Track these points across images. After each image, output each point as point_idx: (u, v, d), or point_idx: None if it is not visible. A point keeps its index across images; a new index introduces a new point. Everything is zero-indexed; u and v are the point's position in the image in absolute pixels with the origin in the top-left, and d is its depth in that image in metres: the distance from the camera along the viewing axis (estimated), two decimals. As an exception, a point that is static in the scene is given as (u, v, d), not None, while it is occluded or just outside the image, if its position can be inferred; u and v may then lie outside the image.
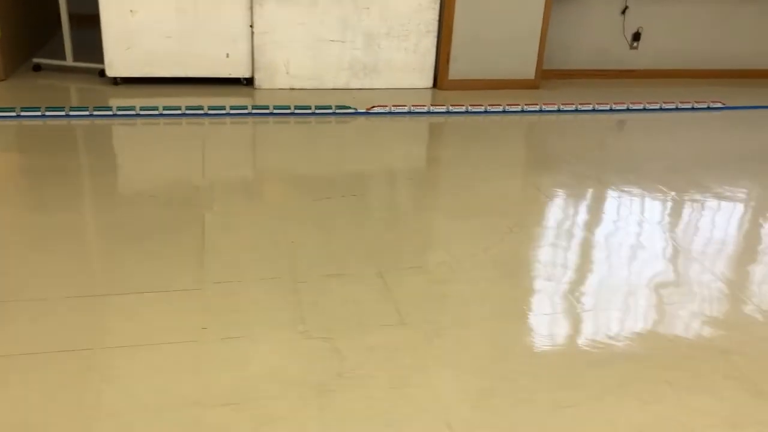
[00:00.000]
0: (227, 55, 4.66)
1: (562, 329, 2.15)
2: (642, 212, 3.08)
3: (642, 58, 5.58)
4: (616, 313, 2.25)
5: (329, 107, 4.44)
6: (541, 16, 4.91)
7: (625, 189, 3.34)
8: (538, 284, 2.41)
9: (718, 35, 5.62)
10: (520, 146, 4.06)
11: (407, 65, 4.91)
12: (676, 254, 2.69)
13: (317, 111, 4.40)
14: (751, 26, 5.63)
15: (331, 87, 4.86)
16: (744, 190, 3.42)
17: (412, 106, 4.52)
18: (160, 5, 4.46)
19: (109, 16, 4.43)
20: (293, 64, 4.74)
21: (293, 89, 4.81)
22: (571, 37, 5.40)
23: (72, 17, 4.77)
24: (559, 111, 4.72)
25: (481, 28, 4.87)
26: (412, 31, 4.81)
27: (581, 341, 2.09)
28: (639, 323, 2.21)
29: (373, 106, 4.47)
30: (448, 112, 4.55)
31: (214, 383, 1.83)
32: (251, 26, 4.60)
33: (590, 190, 3.31)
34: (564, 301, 2.31)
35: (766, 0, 5.56)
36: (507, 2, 4.83)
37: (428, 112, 4.55)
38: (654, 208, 3.14)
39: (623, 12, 5.39)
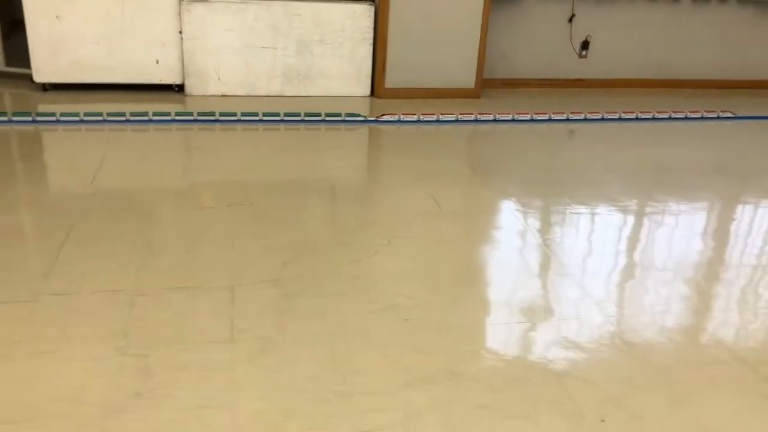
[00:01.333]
0: (157, 62, 4.61)
1: (395, 347, 2.06)
2: (526, 224, 2.98)
3: (591, 67, 5.48)
4: (460, 332, 2.16)
5: (256, 114, 4.37)
6: (480, 25, 4.82)
7: (525, 201, 3.24)
8: (386, 302, 2.31)
9: (670, 44, 5.51)
10: (441, 156, 3.97)
11: (343, 73, 4.83)
12: (549, 269, 2.59)
13: (243, 118, 4.34)
14: (703, 36, 5.52)
15: (265, 94, 4.79)
16: (640, 204, 3.31)
17: (346, 115, 4.44)
18: (86, 11, 4.41)
19: (34, 21, 4.38)
20: (224, 70, 4.68)
21: (225, 96, 4.74)
22: (516, 46, 5.31)
23: (9, 22, 4.74)
24: (495, 121, 4.63)
25: (418, 36, 4.79)
26: (347, 38, 4.74)
27: (406, 358, 2.00)
28: (480, 342, 2.11)
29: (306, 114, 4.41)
30: (377, 121, 4.47)
31: (2, 400, 1.75)
32: (180, 32, 4.54)
33: (488, 203, 3.22)
34: (400, 319, 2.21)
35: (716, 10, 5.45)
36: (443, 10, 4.75)
37: (364, 121, 4.47)
38: (546, 220, 3.04)
39: (570, 20, 5.30)
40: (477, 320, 2.23)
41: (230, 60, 4.66)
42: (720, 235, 2.98)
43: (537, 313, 2.28)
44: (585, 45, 5.40)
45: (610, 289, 2.48)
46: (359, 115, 4.47)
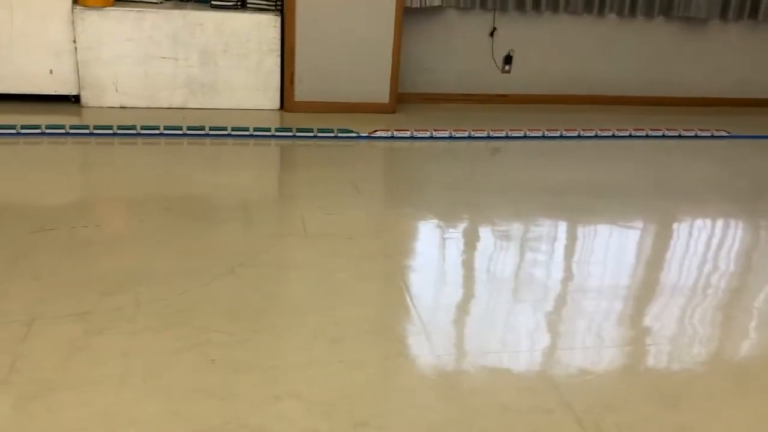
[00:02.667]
0: (51, 72, 4.39)
1: (184, 393, 1.86)
2: (390, 250, 2.79)
3: (516, 82, 5.32)
4: (269, 375, 1.96)
5: (156, 127, 4.17)
6: (392, 37, 4.65)
7: (400, 224, 3.06)
8: (197, 339, 2.11)
9: (597, 60, 5.38)
10: (336, 175, 3.77)
11: (249, 85, 4.64)
12: (394, 305, 2.40)
13: (143, 132, 4.13)
14: (630, 52, 5.39)
15: (167, 106, 4.58)
16: (516, 229, 3.15)
17: (232, 129, 4.24)
18: (-28, 17, 4.19)
19: None
20: (122, 81, 4.47)
21: (124, 108, 4.53)
22: (438, 60, 5.15)
23: None
24: (412, 138, 4.45)
25: (327, 48, 4.61)
26: (253, 49, 4.55)
27: (193, 407, 1.80)
28: (287, 387, 1.91)
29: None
30: (273, 136, 4.28)
31: None
32: (74, 41, 4.34)
33: (360, 226, 3.03)
34: (206, 359, 2.02)
35: (643, 26, 5.33)
36: (353, 22, 4.58)
37: (270, 136, 4.28)
38: (412, 247, 2.86)
39: (492, 34, 5.15)
40: (296, 362, 2.03)
41: (128, 71, 4.45)
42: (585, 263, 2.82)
43: (362, 354, 2.09)
44: (508, 59, 5.25)
45: (447, 326, 2.30)
46: (268, 130, 4.28)
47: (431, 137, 4.43)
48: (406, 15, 4.90)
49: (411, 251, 2.82)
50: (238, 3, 4.59)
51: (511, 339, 2.22)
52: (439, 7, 4.95)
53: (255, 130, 4.26)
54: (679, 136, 4.82)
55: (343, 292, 2.44)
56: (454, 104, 5.26)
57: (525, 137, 4.54)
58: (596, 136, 4.70)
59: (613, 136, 4.75)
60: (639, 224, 3.29)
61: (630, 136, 4.78)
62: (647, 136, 4.78)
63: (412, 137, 4.44)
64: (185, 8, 4.48)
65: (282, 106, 4.76)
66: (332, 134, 4.34)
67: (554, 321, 2.33)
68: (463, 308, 2.40)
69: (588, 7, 5.13)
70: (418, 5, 4.79)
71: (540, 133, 4.59)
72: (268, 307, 2.31)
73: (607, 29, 5.30)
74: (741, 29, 5.50)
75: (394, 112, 4.88)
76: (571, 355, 2.14)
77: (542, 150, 4.40)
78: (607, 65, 5.40)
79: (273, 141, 4.28)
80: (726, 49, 5.53)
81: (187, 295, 2.34)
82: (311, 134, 4.33)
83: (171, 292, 2.35)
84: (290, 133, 4.33)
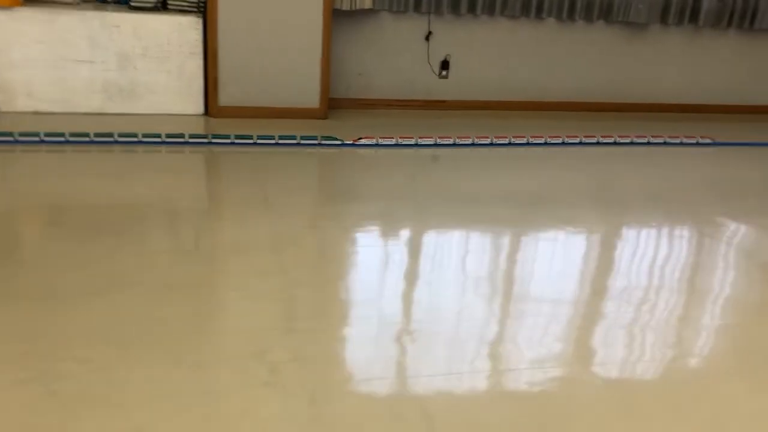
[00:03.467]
0: (-43, 74, 4.17)
1: (12, 430, 1.68)
2: (285, 266, 2.63)
3: (454, 87, 5.20)
4: (114, 409, 1.79)
5: (62, 134, 3.95)
6: (320, 40, 4.50)
7: (302, 238, 2.90)
8: (44, 368, 1.92)
9: (537, 65, 5.27)
10: (248, 185, 3.60)
11: (171, 89, 4.46)
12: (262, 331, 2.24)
13: (46, 139, 3.92)
14: (570, 57, 5.30)
15: (84, 111, 4.38)
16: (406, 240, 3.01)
17: (189, 136, 4.05)
18: None
19: None
20: (35, 85, 4.25)
21: (38, 113, 4.32)
22: (372, 65, 5.01)
23: None
24: (342, 145, 4.29)
25: (251, 51, 4.44)
26: (174, 52, 4.37)
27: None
28: (132, 423, 1.74)
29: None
30: (187, 143, 4.09)
31: None
32: (-19, 42, 4.12)
33: (260, 240, 2.86)
34: (46, 391, 1.83)
35: (583, 30, 5.24)
36: (277, 24, 4.42)
37: (184, 142, 4.09)
38: (313, 254, 2.71)
39: (427, 38, 5.01)
40: (152, 393, 1.86)
41: (41, 74, 4.24)
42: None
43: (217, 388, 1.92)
44: (445, 64, 5.12)
45: (325, 352, 2.14)
46: (181, 136, 4.09)
47: (363, 145, 4.28)
48: (337, 18, 4.75)
49: (309, 268, 2.65)
50: (159, 4, 4.40)
51: (389, 366, 2.07)
52: (371, 9, 4.80)
53: (167, 136, 4.07)
54: (615, 143, 4.72)
55: (223, 314, 2.27)
56: (390, 110, 5.12)
57: (454, 145, 4.41)
58: (528, 144, 4.58)
59: (546, 143, 4.63)
60: (550, 237, 3.16)
61: (563, 143, 4.67)
62: (581, 143, 4.67)
63: (342, 144, 4.29)
64: (101, 9, 4.28)
65: (206, 112, 4.58)
66: (251, 140, 4.17)
67: (436, 346, 2.19)
68: (346, 332, 2.24)
69: (525, 11, 5.02)
70: (349, 7, 4.64)
71: (469, 141, 4.46)
72: (136, 332, 2.13)
73: (546, 34, 5.20)
74: (682, 34, 5.44)
75: (325, 117, 4.73)
76: (447, 381, 2.00)
77: (472, 158, 4.27)
78: (547, 70, 5.30)
79: (188, 148, 4.09)
80: (667, 54, 5.46)
81: (46, 318, 2.15)
82: (228, 140, 4.15)
83: (28, 314, 2.16)
84: (206, 140, 4.15)
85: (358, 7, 4.66)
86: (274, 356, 2.04)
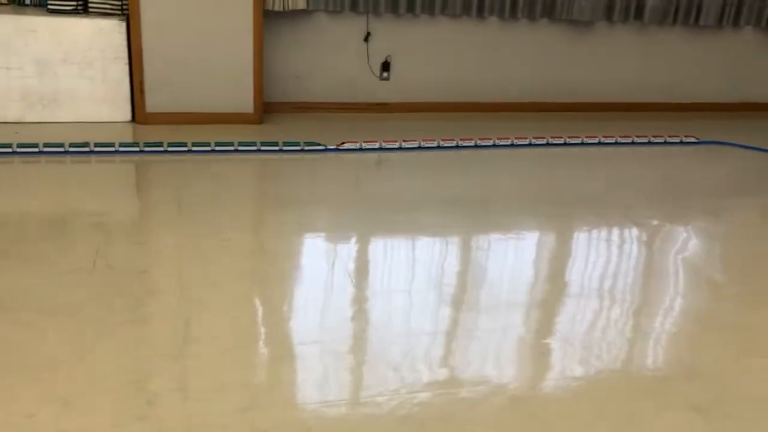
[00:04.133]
0: None
1: None
2: (183, 284, 2.46)
3: (396, 90, 5.05)
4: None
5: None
6: (251, 42, 4.32)
7: (210, 254, 2.73)
8: None
9: (480, 65, 5.15)
10: (169, 194, 3.42)
11: (95, 96, 4.25)
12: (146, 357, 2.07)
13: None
14: (515, 56, 5.18)
15: (1, 120, 4.16)
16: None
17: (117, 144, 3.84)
18: None
19: None
20: (-53, 94, 4.04)
21: (-50, 123, 4.10)
22: (309, 67, 4.84)
23: None
24: (280, 150, 4.11)
25: (179, 55, 4.26)
26: (97, 57, 4.17)
27: None
28: None
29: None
30: (117, 152, 3.90)
31: None
32: None
33: (161, 256, 2.69)
34: None
35: (527, 29, 5.13)
36: (205, 26, 4.24)
37: (114, 152, 3.89)
38: (217, 272, 2.54)
39: (366, 39, 4.86)
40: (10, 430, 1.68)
41: (-48, 81, 4.02)
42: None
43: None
44: (386, 66, 4.97)
45: (202, 386, 1.97)
46: (111, 145, 3.88)
47: (302, 150, 4.12)
48: (270, 19, 4.58)
49: (209, 288, 2.47)
50: (79, 7, 4.20)
51: (278, 393, 1.91)
52: (305, 10, 4.64)
53: (96, 145, 3.88)
54: (564, 144, 4.61)
55: (105, 339, 2.09)
56: (331, 114, 4.96)
57: (400, 149, 4.26)
58: (476, 146, 4.45)
59: (494, 145, 4.51)
60: (474, 244, 3.03)
61: (512, 144, 4.55)
62: (530, 145, 4.55)
63: (280, 150, 4.12)
64: (17, 13, 4.07)
65: (134, 119, 4.38)
66: (186, 148, 4.00)
67: (337, 370, 2.03)
68: (240, 357, 2.08)
69: (467, 10, 4.89)
70: (281, 8, 4.47)
71: (416, 144, 4.32)
72: (4, 363, 1.94)
73: (489, 33, 5.08)
74: (628, 31, 5.36)
75: (260, 122, 4.55)
76: (340, 408, 1.84)
77: (410, 162, 4.12)
78: (491, 71, 5.18)
79: (118, 157, 3.90)
80: (613, 51, 5.38)
81: None
82: (161, 148, 3.97)
83: None
84: (137, 148, 3.96)
85: (291, 8, 4.50)
86: (154, 385, 1.87)
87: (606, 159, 4.48)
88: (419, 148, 4.31)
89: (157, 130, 4.27)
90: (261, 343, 2.13)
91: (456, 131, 4.61)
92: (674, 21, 5.32)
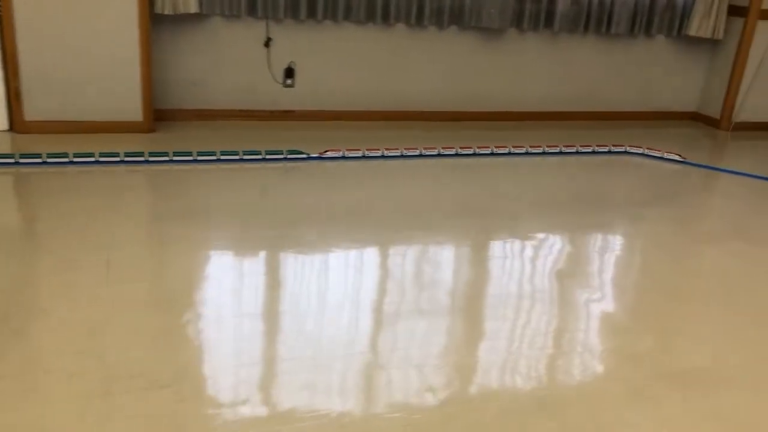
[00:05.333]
0: None
1: None
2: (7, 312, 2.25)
3: (300, 97, 4.89)
4: None
5: None
6: (137, 46, 4.11)
7: (65, 264, 2.52)
8: None
9: (388, 72, 5.01)
10: (24, 211, 3.20)
11: (-33, 103, 3.99)
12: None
13: None
14: (423, 64, 5.07)
15: None
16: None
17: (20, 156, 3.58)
18: None
19: None
20: None
21: None
22: (207, 73, 4.64)
23: None
24: (171, 161, 3.90)
25: (59, 58, 4.02)
26: (-33, 61, 3.91)
27: None
28: None
29: None
30: (15, 163, 3.66)
31: None
32: None
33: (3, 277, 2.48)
34: None
35: (436, 37, 5.02)
36: (86, 28, 4.01)
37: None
38: (57, 297, 2.33)
39: (267, 44, 4.69)
40: None
41: None
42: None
43: None
44: (289, 73, 4.80)
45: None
46: (6, 156, 3.64)
47: (194, 160, 3.92)
48: (161, 23, 4.38)
49: (40, 316, 2.27)
50: (-52, 7, 3.93)
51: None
52: (200, 14, 4.45)
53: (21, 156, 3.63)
54: (474, 154, 4.50)
55: None
56: (232, 121, 4.76)
57: (285, 159, 4.10)
58: (383, 156, 4.31)
59: (402, 155, 4.37)
60: (355, 262, 2.88)
61: (420, 155, 4.41)
62: (439, 155, 4.43)
63: (170, 161, 3.92)
64: None
65: (11, 127, 4.12)
66: (66, 159, 3.76)
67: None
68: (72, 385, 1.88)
69: (371, 17, 4.76)
70: (172, 11, 4.27)
71: (317, 154, 4.16)
72: None
73: (396, 40, 4.95)
74: (539, 39, 5.29)
75: (151, 131, 4.34)
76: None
77: (315, 172, 3.96)
78: (399, 78, 5.05)
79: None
80: (525, 60, 5.30)
81: None
82: (39, 160, 3.73)
83: None
84: (12, 160, 3.71)
85: (182, 11, 4.29)
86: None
87: (513, 169, 4.38)
88: (321, 158, 4.15)
89: (37, 140, 4.03)
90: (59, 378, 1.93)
91: (362, 141, 4.47)
92: (585, 29, 5.28)
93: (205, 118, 4.71)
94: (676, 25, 5.52)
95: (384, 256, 2.91)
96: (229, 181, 3.73)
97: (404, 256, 2.93)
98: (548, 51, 5.34)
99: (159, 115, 4.52)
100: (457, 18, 4.95)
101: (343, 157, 4.20)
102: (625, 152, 4.81)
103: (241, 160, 4.00)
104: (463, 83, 5.20)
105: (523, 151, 4.63)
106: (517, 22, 5.11)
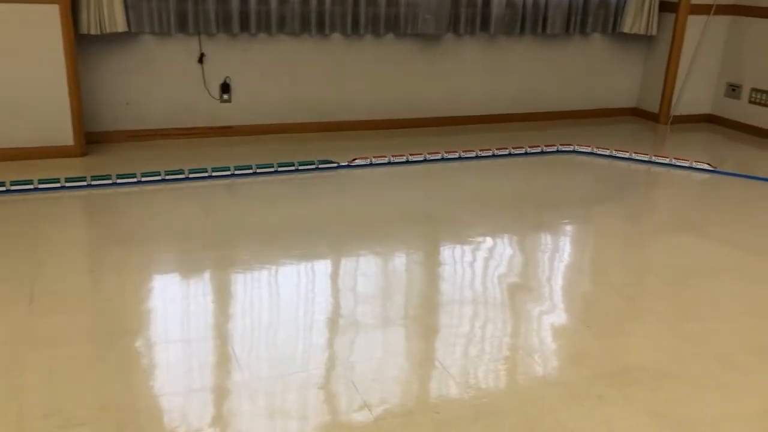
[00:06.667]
0: None
1: None
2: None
3: (238, 112, 4.80)
4: None
5: None
6: (64, 69, 3.99)
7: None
8: None
9: (326, 83, 4.95)
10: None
11: None
12: None
13: None
14: (361, 73, 5.03)
15: None
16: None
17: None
18: None
19: None
20: None
21: None
22: (141, 92, 4.53)
23: None
24: (114, 184, 3.78)
25: (-20, 85, 3.88)
26: None
27: None
28: None
29: None
30: None
31: None
32: None
33: None
34: None
35: (372, 45, 4.98)
36: (8, 54, 3.88)
37: None
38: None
39: (200, 60, 4.60)
40: None
41: None
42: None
43: None
44: (225, 88, 4.72)
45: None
46: None
47: (137, 182, 3.80)
48: (89, 43, 4.27)
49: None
50: None
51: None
52: (129, 33, 4.34)
53: None
54: (407, 162, 4.46)
55: None
56: (170, 140, 4.65)
57: (254, 173, 4.01)
58: (317, 168, 4.24)
59: (338, 166, 4.31)
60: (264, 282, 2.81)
61: (370, 164, 4.36)
62: (371, 164, 4.38)
63: (88, 185, 3.79)
64: None
65: (-66, 157, 3.96)
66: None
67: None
68: None
69: (306, 28, 4.70)
70: (98, 31, 4.15)
71: (252, 170, 4.08)
72: None
73: (333, 50, 4.90)
74: (477, 43, 5.30)
75: (83, 155, 4.21)
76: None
77: (256, 190, 3.88)
78: (338, 89, 5.00)
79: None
80: (464, 64, 5.30)
81: None
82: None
83: None
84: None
85: (109, 31, 4.17)
86: None
87: (454, 173, 4.36)
88: (254, 173, 4.07)
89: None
90: None
91: (302, 153, 4.41)
92: (522, 31, 5.30)
93: (141, 138, 4.60)
94: (610, 23, 5.58)
95: (326, 270, 2.85)
96: (167, 201, 3.64)
97: (346, 269, 2.87)
98: (487, 55, 5.35)
99: (93, 138, 4.39)
100: (393, 26, 4.93)
101: (276, 172, 4.14)
102: (573, 151, 4.84)
103: (187, 179, 3.91)
104: (403, 90, 5.18)
105: (456, 156, 4.60)
106: (454, 27, 5.11)
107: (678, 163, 4.60)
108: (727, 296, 2.75)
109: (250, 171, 4.06)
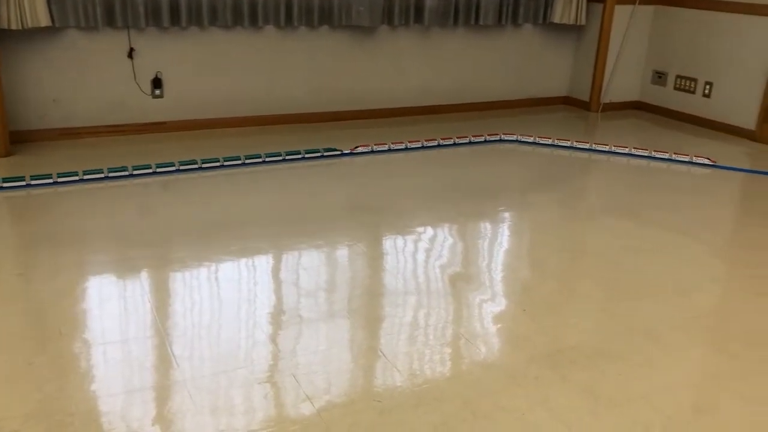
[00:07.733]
0: None
1: None
2: None
3: (170, 107, 4.71)
4: None
5: None
6: (-16, 66, 3.84)
7: None
8: None
9: (263, 76, 4.91)
10: None
11: None
12: None
13: None
14: (298, 66, 5.00)
15: None
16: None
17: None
18: None
19: None
20: None
21: None
22: (68, 89, 4.39)
23: None
24: (28, 186, 3.66)
25: None
26: None
27: None
28: None
29: None
30: None
31: None
32: None
33: None
34: None
35: (307, 36, 4.96)
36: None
37: None
38: None
39: (130, 55, 4.49)
40: None
41: None
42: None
43: None
44: (157, 83, 4.62)
45: None
46: None
47: (54, 183, 3.68)
48: (11, 39, 4.13)
49: None
50: None
51: None
52: (53, 28, 4.20)
53: None
54: (341, 154, 4.46)
55: None
56: (99, 138, 4.53)
57: (178, 171, 3.93)
58: (243, 164, 4.19)
59: (284, 159, 4.28)
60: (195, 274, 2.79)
61: (303, 158, 4.34)
62: (303, 158, 4.36)
63: (28, 185, 3.68)
64: None
65: None
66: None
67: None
68: None
69: (238, 20, 4.64)
70: (18, 26, 4.00)
71: (197, 165, 4.02)
72: None
73: (267, 43, 4.85)
74: (411, 34, 5.33)
75: (7, 155, 4.06)
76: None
77: (187, 187, 3.81)
78: (273, 82, 4.96)
79: None
80: (399, 56, 5.33)
81: None
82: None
83: None
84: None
85: (31, 26, 4.03)
86: None
87: (395, 165, 4.39)
88: (176, 170, 4.01)
89: None
90: None
91: (235, 148, 4.36)
92: (455, 23, 5.36)
93: (70, 136, 4.46)
94: (541, 14, 5.70)
95: (266, 265, 2.84)
96: (97, 200, 3.54)
97: (287, 263, 2.86)
98: (421, 46, 5.39)
99: (18, 137, 4.24)
100: (327, 17, 4.91)
101: (222, 166, 4.09)
102: (500, 140, 4.93)
103: (106, 178, 3.82)
104: (339, 82, 5.17)
105: (402, 146, 4.65)
106: (388, 19, 5.12)
107: (617, 150, 4.74)
108: (656, 276, 2.86)
109: (173, 168, 3.99)
